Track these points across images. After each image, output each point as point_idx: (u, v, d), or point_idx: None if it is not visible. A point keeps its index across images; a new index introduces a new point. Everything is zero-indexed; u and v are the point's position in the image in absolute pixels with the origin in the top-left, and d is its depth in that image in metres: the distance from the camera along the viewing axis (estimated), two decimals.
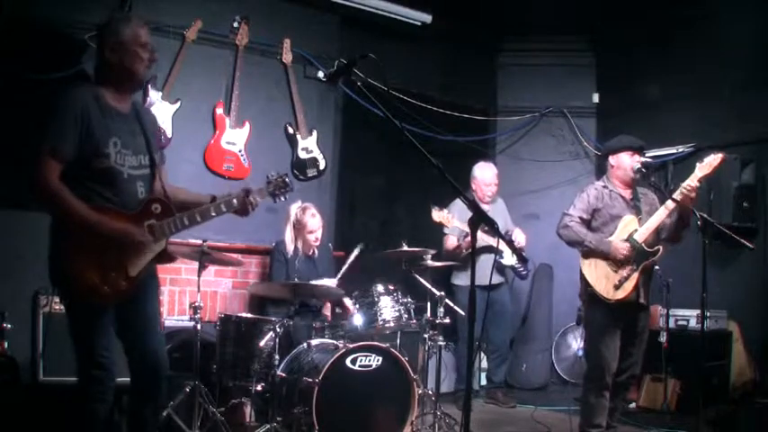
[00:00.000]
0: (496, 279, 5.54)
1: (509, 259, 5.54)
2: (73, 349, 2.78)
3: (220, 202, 2.99)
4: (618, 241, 4.01)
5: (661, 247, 4.04)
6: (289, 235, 4.85)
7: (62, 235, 2.71)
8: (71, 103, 2.72)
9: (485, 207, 5.61)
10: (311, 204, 4.93)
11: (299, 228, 4.83)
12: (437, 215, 4.99)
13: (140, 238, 2.76)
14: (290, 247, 4.84)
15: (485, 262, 4.98)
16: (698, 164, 3.95)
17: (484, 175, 5.68)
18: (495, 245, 4.87)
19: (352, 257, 4.79)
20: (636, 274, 3.98)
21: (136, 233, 2.75)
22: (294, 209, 4.86)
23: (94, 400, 2.75)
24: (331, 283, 4.61)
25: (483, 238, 4.94)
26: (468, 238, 5.09)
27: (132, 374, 2.91)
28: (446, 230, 5.42)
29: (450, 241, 5.44)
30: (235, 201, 3.01)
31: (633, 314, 4.08)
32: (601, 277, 4.04)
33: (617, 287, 3.99)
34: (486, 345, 5.82)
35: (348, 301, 4.87)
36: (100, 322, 2.76)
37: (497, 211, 5.70)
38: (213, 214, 2.96)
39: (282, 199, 3.28)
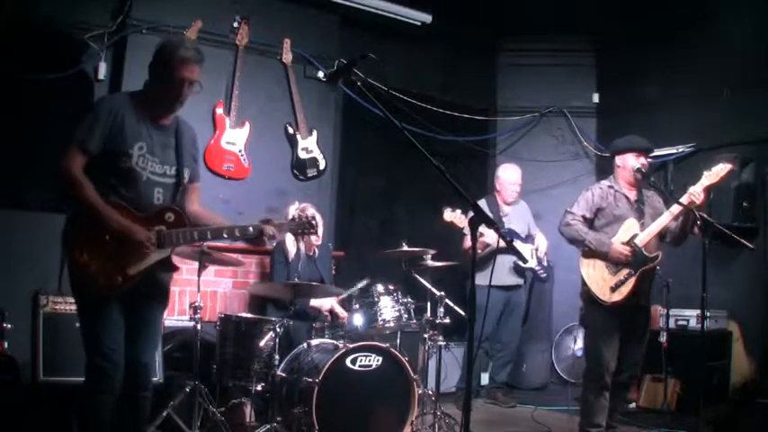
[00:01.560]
0: (515, 280, 5.55)
1: (530, 262, 5.54)
2: (81, 342, 2.83)
3: (235, 226, 3.02)
4: (618, 243, 4.01)
5: (661, 253, 4.03)
6: (290, 237, 4.83)
7: (73, 227, 2.81)
8: (108, 103, 2.91)
9: (506, 208, 5.64)
10: (309, 204, 4.92)
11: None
12: (449, 215, 4.96)
13: (142, 238, 2.79)
14: (291, 250, 4.81)
15: (504, 264, 4.97)
16: (705, 172, 3.94)
17: (508, 175, 5.70)
18: (514, 247, 4.85)
19: (357, 288, 4.70)
20: (633, 279, 3.97)
21: (139, 232, 2.79)
22: (292, 210, 4.81)
23: (100, 392, 2.78)
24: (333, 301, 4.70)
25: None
26: (483, 239, 5.13)
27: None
28: (465, 230, 5.41)
29: (468, 241, 5.44)
30: (251, 229, 3.02)
31: (633, 315, 4.08)
32: (598, 279, 4.04)
33: (613, 290, 3.99)
34: (494, 344, 5.81)
35: (339, 308, 4.87)
36: (104, 314, 2.80)
37: (519, 213, 5.72)
38: (225, 236, 3.01)
39: (304, 237, 3.29)
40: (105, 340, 2.78)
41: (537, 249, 5.58)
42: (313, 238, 4.81)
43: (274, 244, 4.87)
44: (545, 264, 5.69)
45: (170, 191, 2.97)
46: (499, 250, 4.97)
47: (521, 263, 5.50)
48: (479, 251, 5.27)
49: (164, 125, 2.98)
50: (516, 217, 5.64)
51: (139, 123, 2.88)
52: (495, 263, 4.99)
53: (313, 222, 3.17)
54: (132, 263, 2.81)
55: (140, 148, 2.85)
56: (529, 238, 5.62)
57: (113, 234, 2.76)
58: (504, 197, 5.68)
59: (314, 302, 4.80)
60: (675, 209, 3.94)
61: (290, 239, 4.83)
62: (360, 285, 4.68)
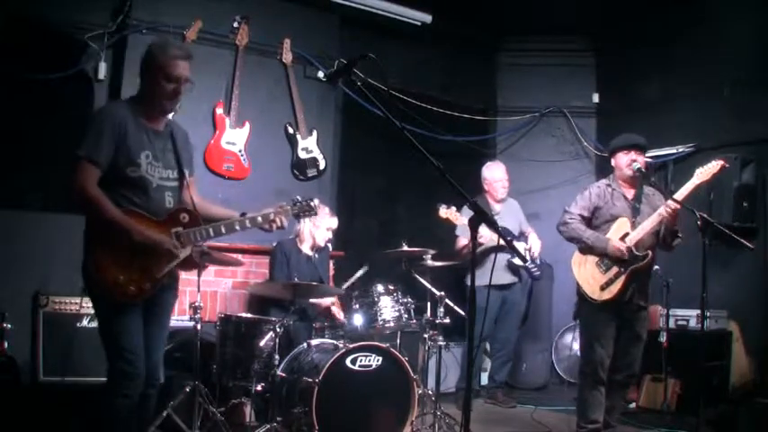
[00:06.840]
0: (510, 279, 5.54)
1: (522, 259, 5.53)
2: (102, 346, 2.88)
3: (246, 217, 3.10)
4: (617, 240, 4.01)
5: (650, 252, 4.04)
6: (307, 229, 4.85)
7: (93, 236, 2.84)
8: (110, 113, 2.91)
9: (496, 207, 5.62)
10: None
11: (318, 222, 4.83)
12: (444, 212, 4.95)
13: (169, 246, 2.89)
14: (308, 242, 4.87)
15: (498, 262, 4.96)
16: (697, 170, 3.96)
17: (493, 173, 5.69)
18: (504, 245, 4.82)
19: (356, 277, 4.81)
20: (623, 277, 3.99)
21: (165, 242, 2.89)
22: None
23: (118, 395, 2.83)
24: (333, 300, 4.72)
25: (494, 239, 4.91)
26: (478, 239, 5.12)
27: None
28: (458, 231, 5.40)
29: (461, 242, 5.44)
30: (260, 218, 3.12)
31: (630, 314, 4.09)
32: (588, 277, 4.07)
33: (603, 288, 4.01)
34: (492, 343, 5.81)
35: (336, 310, 4.88)
36: (126, 319, 2.86)
37: (510, 211, 5.70)
38: (237, 228, 3.09)
39: (305, 220, 3.38)
40: (129, 346, 2.84)
41: (530, 249, 5.54)
42: (328, 234, 4.88)
43: (276, 244, 4.90)
44: (538, 262, 5.67)
45: (177, 193, 3.07)
46: (497, 249, 4.96)
47: (518, 261, 5.48)
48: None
49: (160, 131, 3.03)
50: (508, 215, 5.60)
51: (140, 131, 2.93)
52: (495, 262, 4.98)
53: (312, 204, 3.27)
54: (158, 267, 2.90)
55: (146, 156, 2.92)
56: (521, 237, 5.60)
57: (138, 245, 2.81)
58: (493, 195, 5.64)
59: (312, 300, 4.80)
60: (663, 211, 3.93)
61: (306, 232, 4.86)
62: (358, 274, 4.72)
